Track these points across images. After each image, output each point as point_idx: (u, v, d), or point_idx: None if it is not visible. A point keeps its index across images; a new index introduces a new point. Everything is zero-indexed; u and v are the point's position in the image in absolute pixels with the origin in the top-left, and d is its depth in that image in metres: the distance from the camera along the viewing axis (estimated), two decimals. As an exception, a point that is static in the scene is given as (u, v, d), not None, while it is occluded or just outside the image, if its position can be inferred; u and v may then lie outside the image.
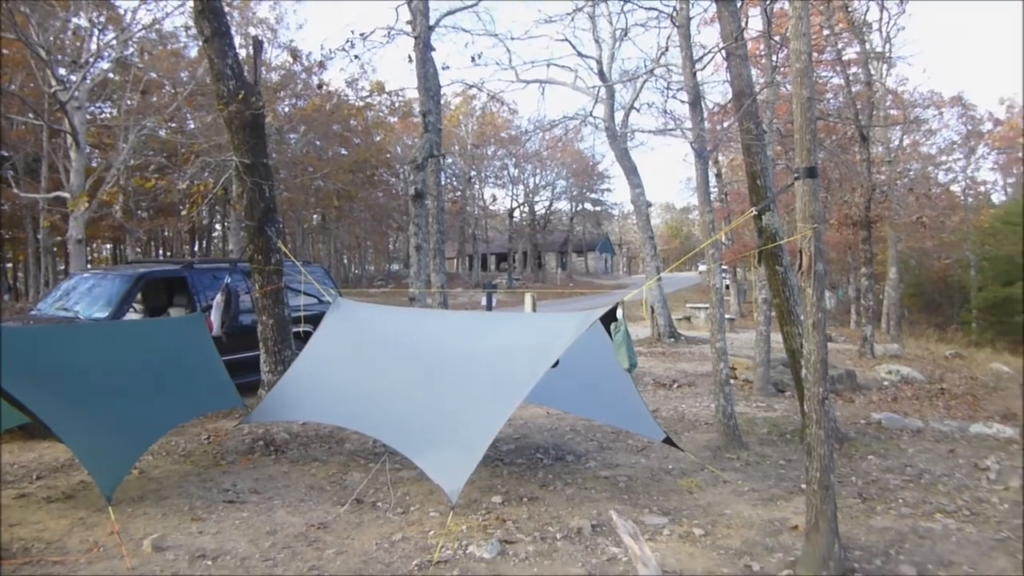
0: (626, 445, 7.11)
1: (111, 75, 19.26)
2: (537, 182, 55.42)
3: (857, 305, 25.59)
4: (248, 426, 6.99)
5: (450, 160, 43.56)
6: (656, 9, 11.80)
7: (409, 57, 11.34)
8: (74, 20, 16.30)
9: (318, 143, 33.79)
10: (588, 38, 24.11)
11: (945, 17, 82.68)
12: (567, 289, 42.71)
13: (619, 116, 18.67)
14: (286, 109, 28.97)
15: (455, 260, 58.05)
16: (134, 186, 19.44)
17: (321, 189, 31.70)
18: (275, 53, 29.11)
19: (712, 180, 22.83)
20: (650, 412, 6.62)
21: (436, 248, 11.27)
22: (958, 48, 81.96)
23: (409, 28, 11.34)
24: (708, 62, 13.65)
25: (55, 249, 25.82)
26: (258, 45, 9.10)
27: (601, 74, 18.46)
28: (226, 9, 8.67)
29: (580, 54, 18.52)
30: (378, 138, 39.80)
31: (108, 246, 39.87)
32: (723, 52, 7.77)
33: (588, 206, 61.56)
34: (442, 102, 13.60)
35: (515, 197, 54.57)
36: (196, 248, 40.61)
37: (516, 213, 55.22)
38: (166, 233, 39.01)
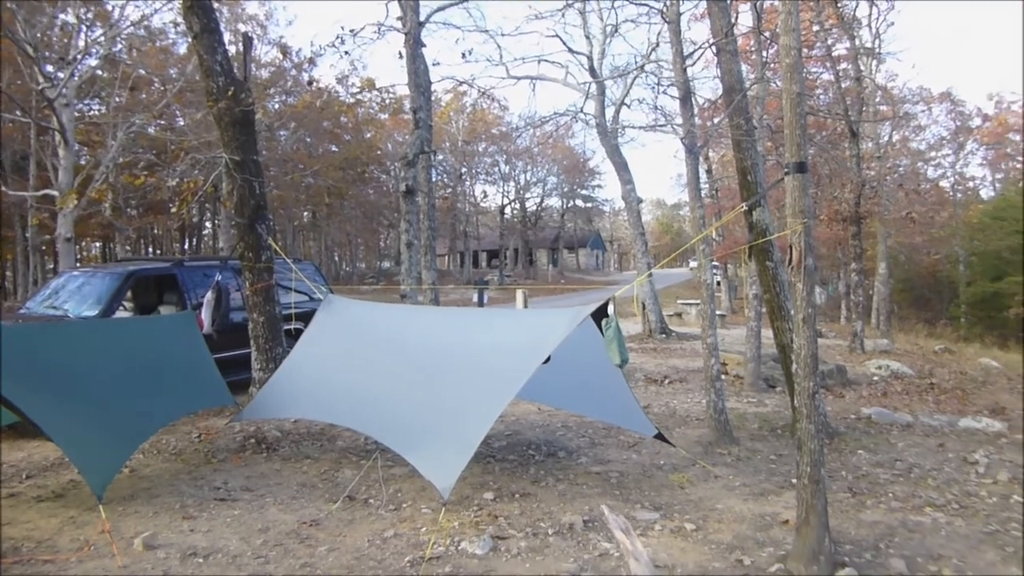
0: (618, 441, 7.13)
1: (99, 72, 19.16)
2: (528, 178, 55.57)
3: (847, 300, 25.80)
4: (239, 424, 6.97)
5: (441, 156, 43.48)
6: (646, 5, 11.82)
7: (399, 53, 11.31)
8: (61, 16, 16.21)
9: (308, 140, 33.67)
10: (579, 34, 24.10)
11: (934, 13, 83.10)
12: (558, 285, 42.79)
13: (610, 112, 18.73)
14: (276, 106, 28.82)
15: (446, 257, 57.94)
16: (123, 183, 19.31)
17: (312, 186, 31.54)
18: (265, 49, 28.90)
19: (703, 176, 22.93)
20: (641, 408, 6.65)
21: (427, 245, 11.25)
22: (947, 44, 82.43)
23: (399, 24, 11.29)
24: (698, 58, 13.72)
25: (44, 247, 25.59)
26: (247, 41, 9.05)
27: (592, 70, 18.43)
28: (215, 5, 8.62)
29: (571, 50, 18.41)
30: (369, 135, 39.62)
31: (97, 244, 39.68)
32: (713, 48, 7.80)
33: (579, 202, 61.67)
34: (433, 98, 13.56)
35: (506, 193, 54.70)
36: (186, 246, 40.41)
37: (507, 209, 55.26)
38: (156, 231, 38.81)
